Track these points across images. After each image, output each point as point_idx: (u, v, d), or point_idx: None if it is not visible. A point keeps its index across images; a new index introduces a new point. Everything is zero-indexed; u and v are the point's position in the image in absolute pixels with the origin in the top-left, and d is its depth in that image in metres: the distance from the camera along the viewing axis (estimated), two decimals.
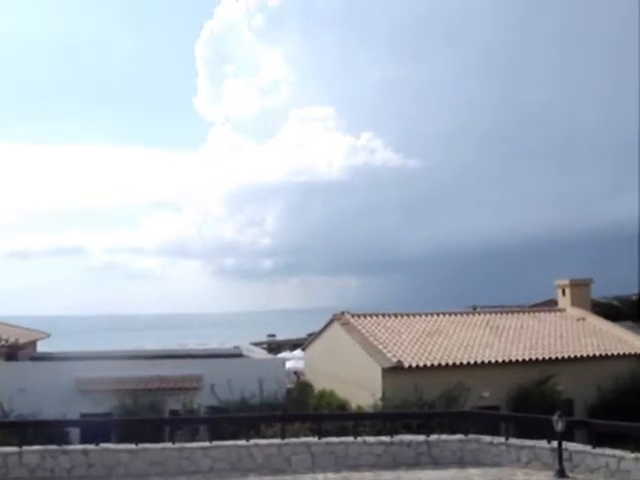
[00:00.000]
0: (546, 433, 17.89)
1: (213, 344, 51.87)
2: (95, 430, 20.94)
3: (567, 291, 34.89)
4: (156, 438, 19.19)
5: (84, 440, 19.74)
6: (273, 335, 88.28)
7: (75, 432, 21.77)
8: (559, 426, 17.04)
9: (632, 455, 16.77)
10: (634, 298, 52.55)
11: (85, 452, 17.66)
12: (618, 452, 17.06)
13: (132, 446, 17.90)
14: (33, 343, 35.61)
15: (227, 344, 42.10)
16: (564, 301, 35.06)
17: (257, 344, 52.26)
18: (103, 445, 17.99)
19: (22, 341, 30.75)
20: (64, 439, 19.50)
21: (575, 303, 34.34)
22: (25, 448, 17.47)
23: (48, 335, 38.81)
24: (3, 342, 29.07)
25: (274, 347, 61.39)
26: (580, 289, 34.86)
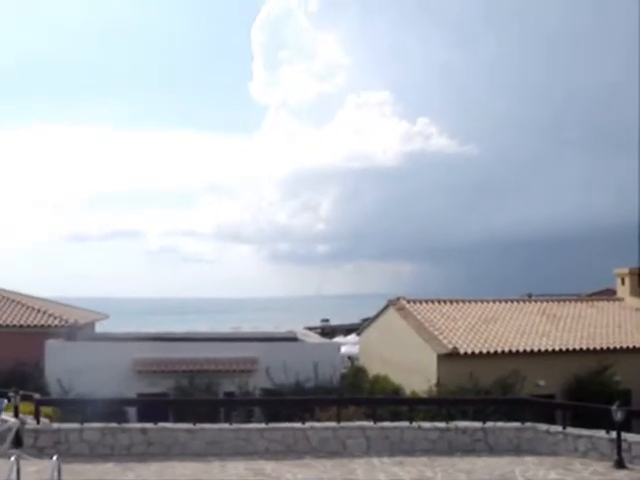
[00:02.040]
0: (603, 423, 17.66)
1: (267, 328, 52.09)
2: (152, 410, 21.23)
3: (626, 280, 34.33)
4: (211, 419, 19.36)
5: (141, 419, 20.03)
6: (327, 320, 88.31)
7: (132, 412, 22.10)
8: (618, 416, 16.80)
9: None
10: None
11: (144, 430, 17.90)
12: None
13: (190, 426, 18.09)
14: (92, 324, 36.29)
15: (281, 328, 42.26)
16: (623, 290, 34.52)
17: (311, 329, 52.35)
18: (161, 424, 18.21)
19: (81, 322, 31.34)
20: (122, 418, 19.80)
21: (634, 292, 33.79)
22: (86, 425, 17.76)
23: (106, 316, 39.47)
24: (63, 323, 29.65)
25: (328, 332, 61.47)
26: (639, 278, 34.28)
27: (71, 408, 20.45)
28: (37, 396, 19.76)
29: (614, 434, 17.05)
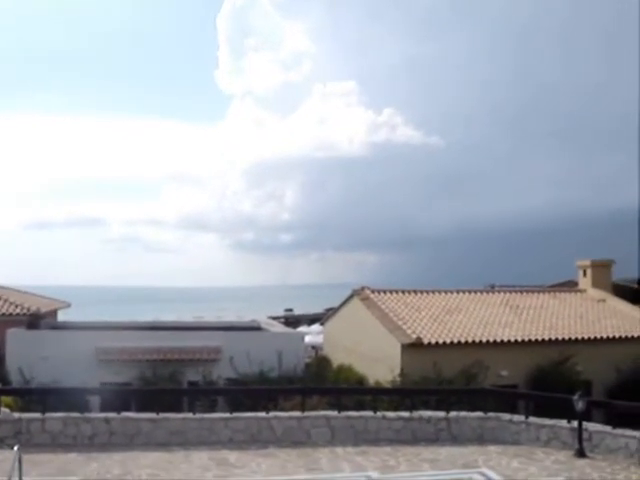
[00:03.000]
0: (565, 413, 17.86)
1: (231, 317, 51.94)
2: (115, 399, 21.09)
3: (588, 272, 34.72)
4: (175, 409, 19.30)
5: (104, 409, 19.87)
6: (291, 309, 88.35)
7: (95, 401, 21.94)
8: (579, 406, 17.00)
9: None
10: None
11: (107, 420, 17.78)
12: (638, 433, 17.00)
13: (153, 415, 18.00)
14: (54, 312, 35.93)
15: (245, 317, 42.17)
16: (585, 282, 34.91)
17: (275, 318, 52.31)
18: (124, 414, 18.10)
19: (43, 310, 31.00)
20: (85, 407, 19.64)
21: (596, 284, 34.18)
22: (48, 415, 17.58)
23: (69, 305, 39.12)
24: (25, 311, 29.32)
25: (292, 321, 61.51)
26: (601, 270, 34.69)
27: (32, 398, 20.26)
28: None
29: (575, 423, 17.28)
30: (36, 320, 29.69)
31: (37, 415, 17.63)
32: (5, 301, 29.89)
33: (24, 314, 29.18)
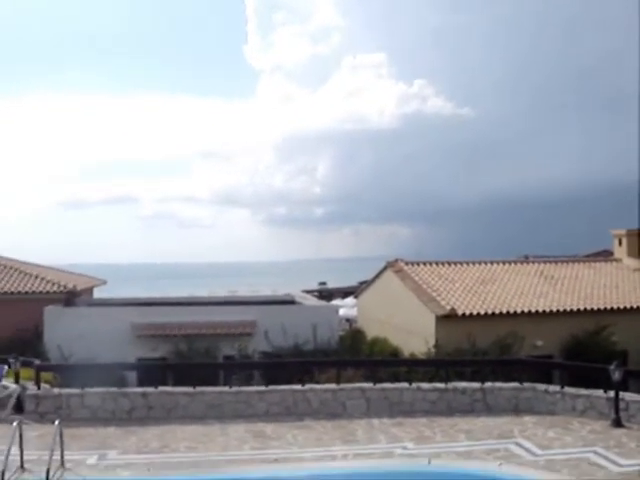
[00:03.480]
0: (601, 383, 17.79)
1: (265, 291, 52.05)
2: (152, 374, 21.37)
3: (624, 241, 34.32)
4: (211, 383, 19.48)
5: (141, 384, 20.15)
6: (324, 283, 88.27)
7: (132, 376, 22.21)
8: (616, 376, 16.91)
9: None
10: None
11: (144, 395, 18.02)
12: None
13: (189, 389, 18.21)
14: (90, 290, 36.33)
15: (279, 291, 42.30)
16: (620, 251, 34.52)
17: (309, 292, 52.37)
18: (161, 388, 18.33)
19: (79, 288, 31.35)
20: (123, 382, 19.91)
21: (632, 253, 33.79)
22: (87, 390, 17.87)
23: (104, 282, 39.50)
24: (62, 288, 29.67)
25: (325, 295, 61.44)
26: (637, 239, 34.21)
27: (71, 374, 20.52)
28: (37, 362, 19.88)
29: (612, 393, 17.19)
30: (73, 297, 30.05)
31: (76, 390, 17.93)
32: (42, 279, 30.26)
33: (61, 292, 29.54)
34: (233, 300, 34.38)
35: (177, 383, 19.18)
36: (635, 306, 27.72)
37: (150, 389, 18.21)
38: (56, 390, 18.25)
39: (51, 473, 11.99)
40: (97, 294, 38.19)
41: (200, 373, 21.05)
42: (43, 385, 18.53)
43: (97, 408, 17.75)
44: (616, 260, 34.07)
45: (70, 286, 30.01)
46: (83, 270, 42.71)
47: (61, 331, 25.75)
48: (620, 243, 34.64)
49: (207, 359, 25.16)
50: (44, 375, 19.63)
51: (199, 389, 18.28)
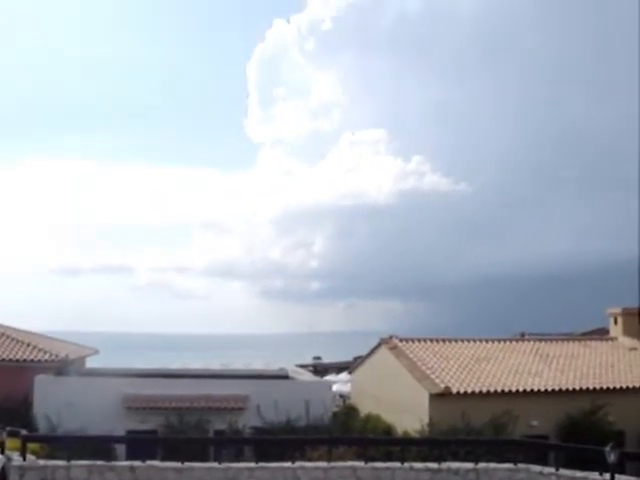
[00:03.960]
0: (597, 465, 17.54)
1: (258, 365, 51.78)
2: (141, 447, 21.06)
3: (619, 320, 34.28)
4: (201, 457, 19.23)
5: (130, 457, 19.83)
6: (319, 358, 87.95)
7: (121, 448, 21.87)
8: (612, 457, 16.68)
9: None
10: None
11: (132, 468, 17.75)
12: None
13: (178, 464, 17.95)
14: (82, 359, 36.00)
15: (272, 365, 42.03)
16: (616, 330, 34.45)
17: (303, 366, 52.09)
18: (150, 462, 18.06)
19: (71, 357, 31.08)
20: (111, 455, 19.61)
21: (627, 332, 33.71)
22: (73, 462, 17.61)
23: (97, 351, 39.20)
24: (53, 357, 29.41)
25: (320, 370, 61.20)
26: (632, 318, 34.18)
27: (59, 445, 20.23)
28: (24, 432, 19.58)
29: (608, 476, 16.95)
30: (64, 367, 29.76)
31: (62, 463, 17.67)
32: (34, 347, 30.00)
33: (52, 360, 29.26)
34: (226, 374, 34.09)
35: (166, 457, 18.90)
36: (631, 386, 27.56)
37: (138, 463, 17.95)
38: (42, 462, 17.96)
39: None
40: (89, 364, 37.83)
41: (190, 448, 20.75)
42: (29, 456, 18.23)
43: None
44: (612, 339, 33.98)
45: (62, 355, 29.75)
46: (76, 338, 42.38)
47: (51, 401, 25.42)
48: (616, 322, 34.60)
49: (198, 433, 24.83)
50: (31, 446, 19.33)
51: (188, 464, 18.02)
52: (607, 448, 16.81)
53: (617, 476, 17.01)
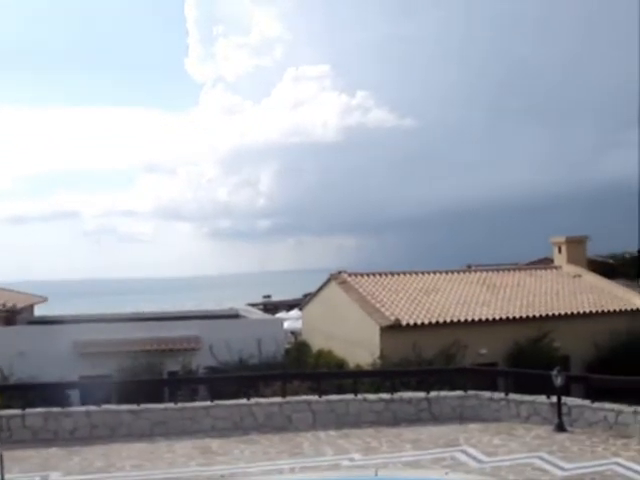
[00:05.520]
0: (544, 389, 18.03)
1: (209, 306, 51.90)
2: (95, 392, 21.00)
3: (563, 248, 34.93)
4: (156, 399, 19.27)
5: (84, 402, 19.78)
6: (269, 296, 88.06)
7: (75, 395, 21.82)
8: (558, 381, 17.16)
9: (630, 409, 16.92)
10: (628, 256, 52.63)
11: (87, 413, 17.76)
12: (616, 406, 17.22)
13: (134, 407, 18.00)
14: (30, 307, 35.67)
15: (223, 305, 42.16)
16: (560, 258, 35.14)
17: (253, 305, 52.28)
18: (105, 406, 18.09)
19: (20, 305, 30.78)
20: (65, 401, 19.56)
21: (571, 260, 34.42)
22: (28, 411, 17.53)
23: (45, 299, 38.84)
24: (1, 307, 29.09)
25: (270, 308, 61.35)
26: (576, 246, 34.90)
27: (12, 394, 20.11)
28: None
29: (555, 399, 17.45)
30: (13, 316, 29.48)
31: (17, 411, 17.58)
32: None
33: (0, 310, 28.95)
34: (177, 315, 34.10)
35: (121, 401, 18.90)
36: (576, 312, 28.22)
37: (93, 407, 17.96)
38: None
39: None
40: (38, 312, 37.52)
41: (145, 390, 20.79)
42: None
43: (39, 429, 17.41)
44: (556, 267, 34.65)
45: (9, 304, 29.44)
46: (24, 287, 41.94)
47: (1, 351, 25.20)
48: (560, 250, 35.25)
49: (151, 375, 24.86)
50: None
51: (144, 406, 18.08)
52: (553, 372, 17.27)
53: (563, 398, 17.54)
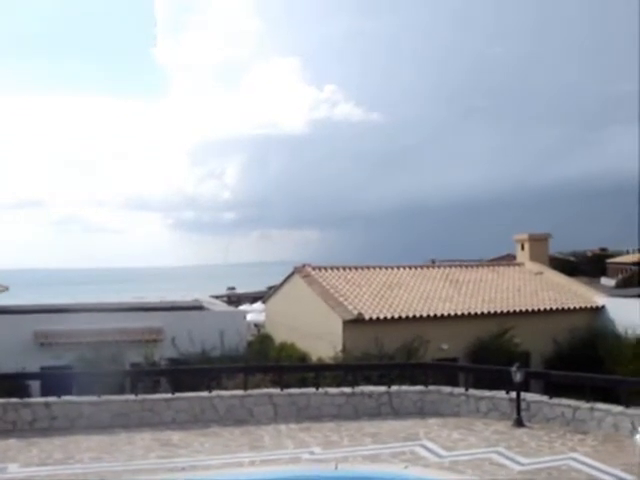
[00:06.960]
0: (504, 384, 18.24)
1: (173, 297, 51.69)
2: (56, 383, 20.86)
3: (526, 245, 35.25)
4: (117, 390, 19.21)
5: (45, 393, 19.66)
6: (233, 288, 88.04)
7: (35, 385, 21.66)
8: (517, 377, 17.37)
9: (587, 405, 17.21)
10: (589, 254, 53.41)
11: (47, 404, 17.64)
12: (573, 402, 17.50)
13: (94, 398, 17.92)
14: None
15: (187, 297, 42.02)
16: (523, 255, 35.44)
17: (217, 297, 52.16)
18: (65, 397, 17.97)
19: None
20: (25, 392, 19.42)
21: (533, 257, 34.74)
22: None
23: (6, 288, 38.40)
24: None
25: (234, 300, 61.37)
26: (538, 244, 35.23)
27: None
28: None
29: (514, 394, 17.67)
30: None
31: None
32: None
33: None
34: (140, 306, 33.91)
35: (82, 392, 18.80)
36: (536, 309, 28.49)
37: (53, 398, 17.84)
38: None
39: None
40: None
41: (106, 381, 20.67)
42: None
43: None
44: (519, 264, 34.95)
45: None
46: None
47: None
48: (522, 247, 35.56)
49: (113, 366, 24.73)
50: None
51: (104, 398, 18.02)
52: (513, 368, 17.49)
53: (522, 394, 17.76)
